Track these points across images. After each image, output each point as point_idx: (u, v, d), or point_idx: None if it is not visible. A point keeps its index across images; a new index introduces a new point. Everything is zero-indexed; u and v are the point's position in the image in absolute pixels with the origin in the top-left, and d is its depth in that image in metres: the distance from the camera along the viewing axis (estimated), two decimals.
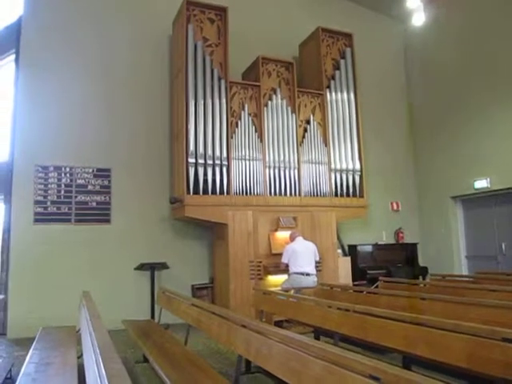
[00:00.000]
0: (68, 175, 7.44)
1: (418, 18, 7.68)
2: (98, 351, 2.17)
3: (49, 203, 7.25)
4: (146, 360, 4.91)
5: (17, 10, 7.51)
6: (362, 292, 4.98)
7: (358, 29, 9.46)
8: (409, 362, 3.60)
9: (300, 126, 8.36)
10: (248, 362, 4.57)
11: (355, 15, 10.31)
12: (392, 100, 10.76)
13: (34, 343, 4.13)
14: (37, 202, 7.18)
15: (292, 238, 6.82)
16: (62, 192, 7.38)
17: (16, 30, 7.43)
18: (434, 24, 9.61)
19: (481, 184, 8.94)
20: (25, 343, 5.66)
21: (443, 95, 9.93)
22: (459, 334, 2.51)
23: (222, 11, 7.96)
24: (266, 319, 5.70)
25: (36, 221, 7.12)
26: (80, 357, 3.72)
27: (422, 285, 5.82)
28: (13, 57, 7.55)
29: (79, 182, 7.51)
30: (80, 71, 7.76)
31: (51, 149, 7.38)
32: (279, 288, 6.22)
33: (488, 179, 8.79)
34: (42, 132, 7.34)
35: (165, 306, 5.30)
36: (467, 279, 6.36)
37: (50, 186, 7.30)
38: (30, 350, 3.83)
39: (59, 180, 7.38)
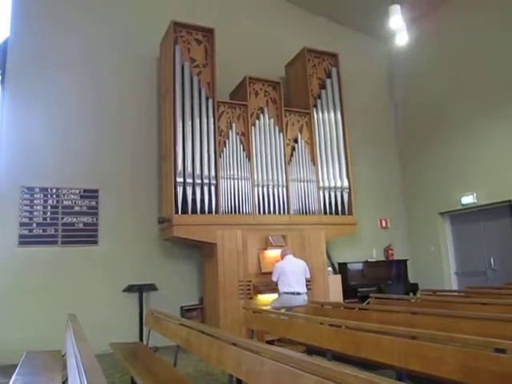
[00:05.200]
0: (54, 196, 7.35)
1: (401, 38, 7.82)
2: (82, 372, 2.09)
3: (34, 225, 7.13)
4: None
5: (3, 31, 7.52)
6: (353, 309, 4.93)
7: (344, 49, 9.64)
8: (402, 377, 3.54)
9: (288, 144, 8.42)
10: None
11: (340, 36, 10.52)
12: (378, 117, 10.92)
13: (18, 368, 3.99)
14: (22, 224, 7.05)
15: (282, 256, 6.77)
16: (48, 214, 7.28)
17: (2, 51, 7.43)
18: (418, 43, 9.84)
19: (467, 199, 9.03)
20: (8, 370, 5.47)
21: (428, 112, 10.11)
22: (451, 347, 2.48)
23: (208, 32, 8.07)
24: (257, 338, 5.61)
25: (21, 243, 6.99)
26: (65, 382, 3.60)
27: (413, 300, 5.80)
28: None
29: (66, 203, 7.42)
30: (67, 93, 7.76)
31: (37, 170, 7.30)
32: (268, 307, 6.13)
33: (474, 194, 8.89)
34: (27, 153, 7.27)
35: (153, 327, 5.18)
36: (458, 294, 6.35)
37: (35, 207, 7.19)
38: (13, 376, 3.70)
39: (45, 201, 7.28)
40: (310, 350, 4.92)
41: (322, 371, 1.96)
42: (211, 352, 3.26)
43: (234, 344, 2.89)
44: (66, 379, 3.40)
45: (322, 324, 3.67)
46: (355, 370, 1.92)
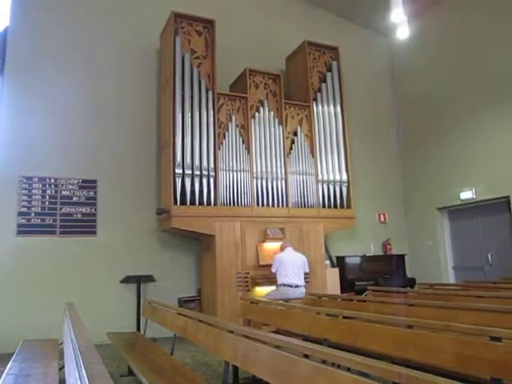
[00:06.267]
0: (53, 186, 7.33)
1: (403, 32, 7.79)
2: (79, 356, 2.10)
3: (33, 215, 7.12)
4: (130, 373, 4.80)
5: (3, 20, 7.47)
6: (351, 300, 4.94)
7: (344, 42, 9.61)
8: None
9: (287, 137, 8.40)
10: (236, 373, 4.48)
11: (341, 29, 10.48)
12: (378, 111, 10.89)
13: (15, 355, 4.00)
14: (20, 214, 7.04)
15: (282, 248, 6.78)
16: (47, 203, 7.26)
17: (2, 40, 7.39)
18: (418, 37, 9.81)
19: (466, 195, 9.03)
20: (6, 358, 5.47)
21: (428, 106, 10.08)
22: (448, 335, 2.48)
23: (209, 24, 8.02)
24: None
25: (19, 233, 6.97)
26: (62, 368, 3.61)
27: (410, 293, 5.81)
28: None
29: (64, 193, 7.40)
30: (66, 83, 7.72)
31: (36, 160, 7.28)
32: (264, 298, 6.13)
33: (473, 190, 8.89)
34: (26, 143, 7.24)
35: (150, 317, 5.19)
36: (455, 287, 6.37)
37: (34, 197, 7.17)
38: (10, 362, 3.71)
39: (44, 191, 7.26)
40: (307, 341, 4.94)
41: (317, 356, 1.97)
42: (208, 340, 3.27)
43: (231, 331, 2.90)
44: (63, 366, 3.41)
45: (319, 314, 3.68)
46: (350, 354, 1.93)
